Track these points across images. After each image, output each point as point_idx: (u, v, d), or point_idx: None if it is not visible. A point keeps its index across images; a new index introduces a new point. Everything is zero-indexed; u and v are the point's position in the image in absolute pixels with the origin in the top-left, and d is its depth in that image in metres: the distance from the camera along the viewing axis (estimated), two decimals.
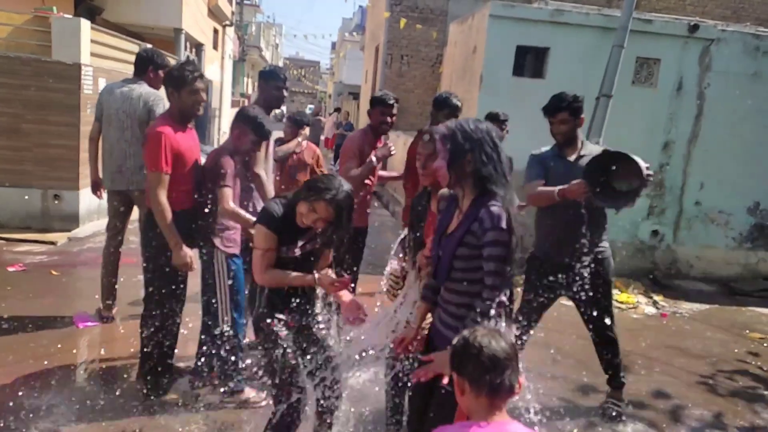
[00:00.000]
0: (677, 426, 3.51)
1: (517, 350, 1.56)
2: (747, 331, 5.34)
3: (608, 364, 3.54)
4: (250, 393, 3.25)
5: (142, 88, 4.00)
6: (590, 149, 3.45)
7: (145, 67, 4.06)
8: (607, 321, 3.44)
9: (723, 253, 6.84)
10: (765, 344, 5.05)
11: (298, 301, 2.52)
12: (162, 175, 2.95)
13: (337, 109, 20.64)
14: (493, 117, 4.38)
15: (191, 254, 3.03)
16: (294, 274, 2.44)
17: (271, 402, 3.17)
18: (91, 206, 6.87)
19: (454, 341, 1.59)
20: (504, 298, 2.03)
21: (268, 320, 2.47)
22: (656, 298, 6.09)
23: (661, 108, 6.55)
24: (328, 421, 2.63)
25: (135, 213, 7.56)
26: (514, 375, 1.51)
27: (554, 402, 3.65)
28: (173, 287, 3.18)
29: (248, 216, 3.01)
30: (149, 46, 4.36)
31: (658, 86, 6.55)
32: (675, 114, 6.58)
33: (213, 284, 3.11)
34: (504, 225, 1.95)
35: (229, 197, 3.00)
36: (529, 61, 6.66)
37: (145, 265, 3.23)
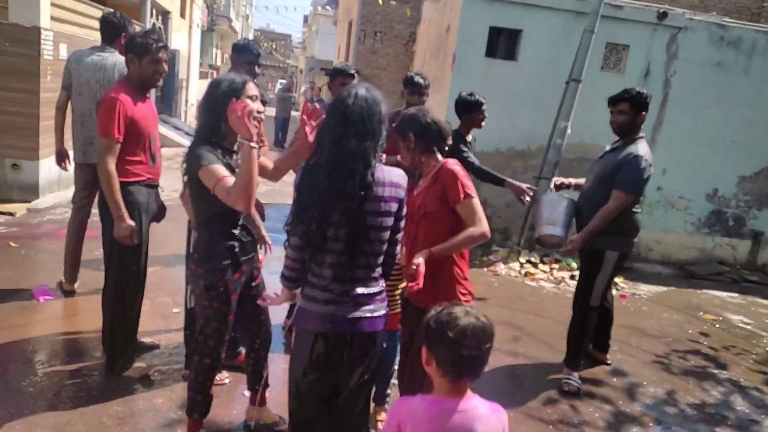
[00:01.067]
0: (632, 403, 3.66)
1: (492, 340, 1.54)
2: (701, 313, 5.56)
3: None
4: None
5: (115, 57, 3.82)
6: (632, 148, 3.58)
7: (117, 34, 3.89)
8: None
9: (681, 238, 7.07)
10: (716, 325, 5.28)
11: (250, 243, 2.53)
12: (113, 142, 2.87)
13: (311, 84, 20.31)
14: (406, 81, 4.17)
15: (134, 226, 2.97)
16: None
17: (227, 376, 3.19)
18: (52, 177, 6.66)
19: (433, 313, 1.56)
20: None
21: (228, 275, 2.42)
22: (616, 279, 6.27)
23: None
24: (263, 354, 2.76)
25: None
26: (483, 366, 1.53)
27: (514, 379, 3.75)
28: (134, 261, 3.13)
29: None
30: (112, 11, 4.16)
31: (626, 72, 6.66)
32: None
33: None
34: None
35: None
36: (502, 43, 6.69)
37: (104, 238, 3.17)
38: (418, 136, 2.44)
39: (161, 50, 2.97)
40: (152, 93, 3.22)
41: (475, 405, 1.53)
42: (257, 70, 3.56)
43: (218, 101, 2.28)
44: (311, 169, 1.97)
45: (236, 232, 2.43)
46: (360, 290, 1.99)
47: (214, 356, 2.51)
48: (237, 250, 2.43)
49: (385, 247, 2.04)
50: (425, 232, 2.42)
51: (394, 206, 2.00)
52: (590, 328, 3.81)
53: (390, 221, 2.01)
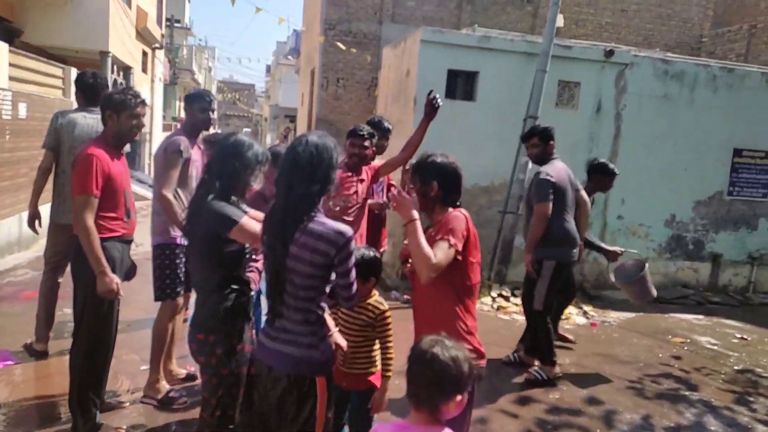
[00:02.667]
0: (610, 431, 3.68)
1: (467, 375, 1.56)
2: (670, 336, 5.68)
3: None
4: None
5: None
6: (540, 170, 4.32)
7: (98, 93, 3.89)
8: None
9: None
10: (685, 348, 5.39)
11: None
12: (91, 197, 2.85)
13: (287, 131, 20.42)
14: (374, 125, 4.40)
15: (117, 281, 2.92)
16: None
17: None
18: (11, 238, 6.49)
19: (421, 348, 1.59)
20: None
21: (245, 334, 2.33)
22: (586, 308, 6.38)
23: (582, 128, 6.95)
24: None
25: None
26: (436, 396, 1.54)
27: (494, 413, 3.74)
28: (106, 319, 3.05)
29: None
30: (88, 71, 4.19)
31: (579, 108, 6.95)
32: (595, 134, 6.99)
33: None
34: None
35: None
36: (461, 85, 6.92)
37: (75, 296, 3.07)
38: (442, 186, 2.38)
39: (139, 105, 3.02)
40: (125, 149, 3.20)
41: None
42: (212, 115, 3.62)
43: (251, 164, 2.32)
44: (269, 214, 2.11)
45: (246, 288, 2.37)
46: (281, 325, 2.07)
47: (233, 426, 2.35)
48: (248, 306, 2.37)
49: (310, 294, 2.02)
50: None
51: (318, 259, 1.97)
52: (543, 328, 4.30)
53: (312, 271, 1.98)
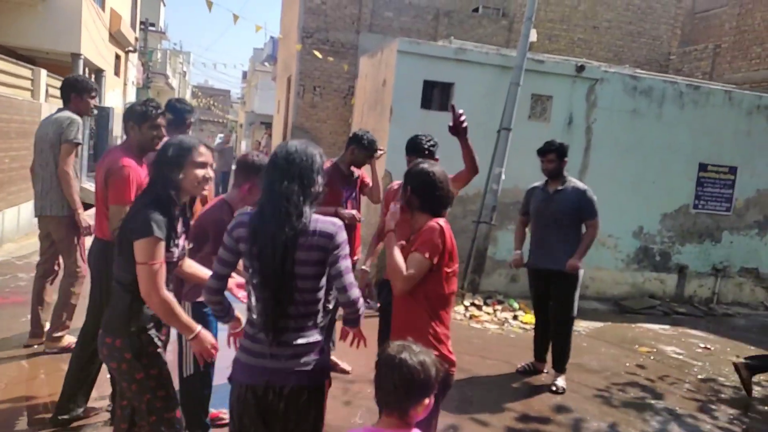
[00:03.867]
0: None
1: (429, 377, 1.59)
2: (636, 346, 5.80)
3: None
4: None
5: (60, 113, 4.09)
6: (571, 184, 4.64)
7: (67, 94, 4.11)
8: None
9: (613, 274, 7.41)
10: (651, 357, 5.51)
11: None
12: (127, 207, 2.87)
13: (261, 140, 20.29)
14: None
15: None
16: (177, 308, 2.16)
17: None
18: None
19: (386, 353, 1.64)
20: None
21: (154, 340, 2.21)
22: None
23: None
24: None
25: (27, 248, 7.02)
26: (402, 400, 1.57)
27: (465, 421, 3.76)
28: None
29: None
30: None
31: (551, 120, 7.09)
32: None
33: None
34: None
35: None
36: (436, 95, 6.99)
37: (94, 294, 3.19)
38: (416, 192, 2.45)
39: (160, 116, 3.11)
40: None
41: None
42: (191, 119, 3.73)
43: (169, 164, 2.19)
44: (253, 216, 2.00)
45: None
46: (287, 340, 1.97)
47: (177, 427, 2.27)
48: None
49: (319, 295, 2.02)
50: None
51: (321, 255, 1.97)
52: (570, 334, 4.61)
53: (319, 270, 1.99)
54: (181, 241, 2.32)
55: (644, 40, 13.93)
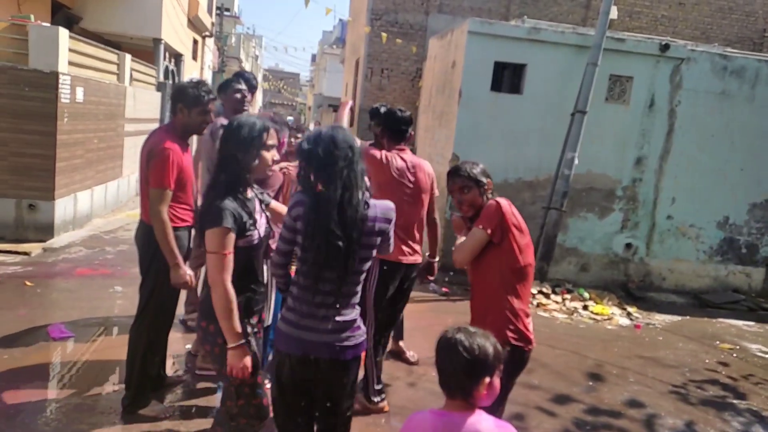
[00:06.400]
0: None
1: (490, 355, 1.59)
2: (717, 342, 5.48)
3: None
4: None
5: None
6: None
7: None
8: None
9: (694, 266, 7.02)
10: (734, 354, 5.19)
11: (261, 296, 2.37)
12: (167, 191, 2.92)
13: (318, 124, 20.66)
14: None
15: (191, 272, 3.00)
16: (235, 311, 2.13)
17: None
18: (66, 216, 6.78)
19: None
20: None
21: (246, 328, 2.23)
22: (630, 309, 6.22)
23: (633, 124, 6.74)
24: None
25: (114, 223, 7.49)
26: (468, 383, 1.56)
27: (530, 410, 3.70)
28: (171, 304, 3.18)
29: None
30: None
31: (630, 103, 6.74)
32: (647, 130, 6.77)
33: None
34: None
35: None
36: (507, 77, 6.81)
37: (144, 277, 3.14)
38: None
39: (211, 102, 3.06)
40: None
41: (480, 420, 1.57)
42: (247, 96, 3.76)
43: (242, 145, 2.17)
44: (318, 200, 2.00)
45: (254, 286, 2.31)
46: (338, 318, 2.05)
47: (262, 414, 2.31)
48: (251, 302, 2.28)
49: (363, 276, 2.12)
50: (472, 266, 2.49)
51: (378, 240, 2.08)
52: None
53: (371, 254, 2.10)
54: (262, 222, 2.29)
55: (736, 16, 12.92)
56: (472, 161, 2.57)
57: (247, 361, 2.14)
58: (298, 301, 2.07)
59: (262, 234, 2.28)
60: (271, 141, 2.26)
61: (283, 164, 3.44)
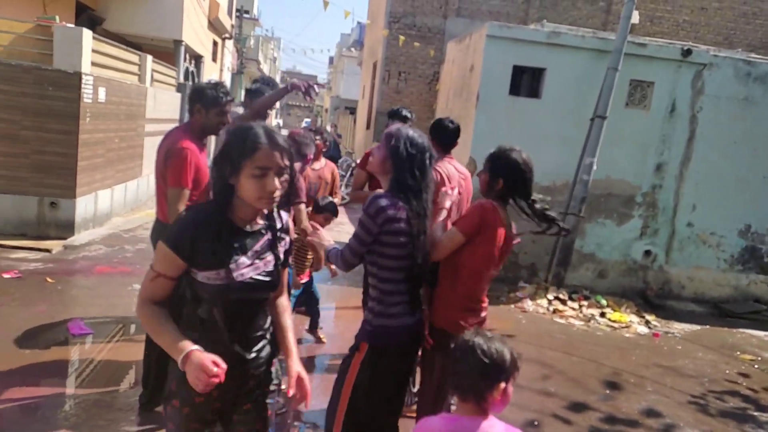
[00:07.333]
0: None
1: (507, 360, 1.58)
2: (738, 353, 5.38)
3: None
4: None
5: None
6: None
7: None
8: None
9: (714, 275, 6.91)
10: (755, 366, 5.10)
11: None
12: (185, 190, 2.96)
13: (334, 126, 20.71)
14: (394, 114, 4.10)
15: None
16: (170, 328, 1.65)
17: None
18: (87, 214, 6.87)
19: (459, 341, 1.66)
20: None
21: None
22: (648, 317, 6.13)
23: (654, 130, 6.66)
24: None
25: (133, 222, 7.57)
26: (482, 387, 1.56)
27: (546, 417, 3.67)
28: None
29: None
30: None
31: (651, 108, 6.66)
32: (668, 136, 6.69)
33: None
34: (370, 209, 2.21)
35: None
36: (526, 81, 6.77)
37: None
38: (506, 182, 2.58)
39: (229, 103, 3.09)
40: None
41: (492, 425, 1.56)
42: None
43: (230, 159, 1.63)
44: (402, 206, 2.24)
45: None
46: (417, 299, 2.36)
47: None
48: None
49: None
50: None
51: None
52: None
53: None
54: (246, 262, 1.67)
55: (760, 21, 12.74)
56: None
57: (207, 365, 1.52)
58: (398, 295, 2.29)
59: (246, 277, 1.67)
60: (267, 163, 1.60)
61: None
